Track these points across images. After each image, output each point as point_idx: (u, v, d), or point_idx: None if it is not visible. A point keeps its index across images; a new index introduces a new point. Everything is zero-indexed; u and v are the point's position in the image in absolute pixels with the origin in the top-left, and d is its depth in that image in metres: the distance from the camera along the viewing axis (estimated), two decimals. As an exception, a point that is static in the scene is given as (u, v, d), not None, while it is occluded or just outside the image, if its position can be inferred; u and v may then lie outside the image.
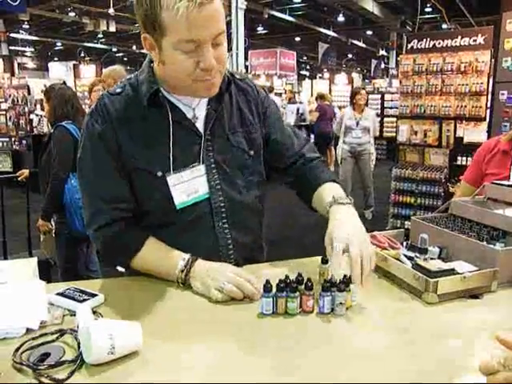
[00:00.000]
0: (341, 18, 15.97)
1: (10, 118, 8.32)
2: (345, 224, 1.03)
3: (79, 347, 0.77)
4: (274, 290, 0.92)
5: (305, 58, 23.92)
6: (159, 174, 1.08)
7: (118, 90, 1.11)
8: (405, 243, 1.20)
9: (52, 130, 2.80)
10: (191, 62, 0.97)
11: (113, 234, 1.10)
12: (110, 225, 1.10)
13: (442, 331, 0.87)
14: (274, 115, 1.26)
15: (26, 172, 3.32)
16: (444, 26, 13.37)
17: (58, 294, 0.98)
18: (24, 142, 8.03)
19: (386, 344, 0.84)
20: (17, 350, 0.78)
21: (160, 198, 1.10)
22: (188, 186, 1.11)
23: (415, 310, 0.96)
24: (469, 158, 4.31)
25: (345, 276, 0.94)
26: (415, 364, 0.77)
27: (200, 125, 1.13)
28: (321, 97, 9.77)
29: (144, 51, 1.05)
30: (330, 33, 17.43)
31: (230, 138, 1.15)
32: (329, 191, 1.17)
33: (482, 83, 4.30)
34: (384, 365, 0.77)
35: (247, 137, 1.19)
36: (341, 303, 0.92)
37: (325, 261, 1.08)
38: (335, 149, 6.58)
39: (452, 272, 1.02)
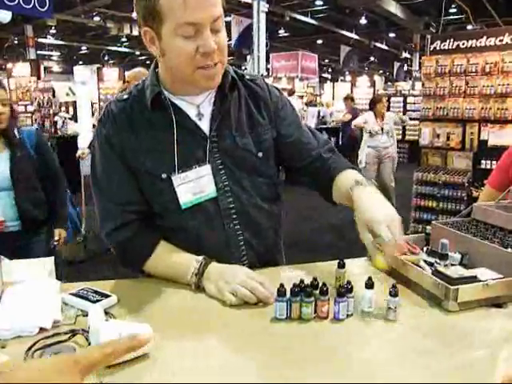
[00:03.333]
0: (363, 21, 15.80)
1: (36, 119, 8.53)
2: (375, 203, 1.02)
3: (90, 348, 0.77)
4: (288, 294, 0.90)
5: (326, 60, 23.77)
6: (164, 176, 1.09)
7: (125, 97, 1.14)
8: (425, 248, 1.16)
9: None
10: (191, 47, 0.97)
11: (123, 239, 1.11)
12: (120, 228, 1.11)
13: (462, 341, 0.84)
14: (289, 116, 1.23)
15: None
16: (469, 27, 13.08)
17: (71, 293, 0.98)
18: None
19: (403, 353, 0.82)
20: (29, 348, 0.79)
21: (165, 200, 1.10)
22: (194, 185, 1.10)
23: (434, 318, 0.93)
24: (493, 162, 4.18)
25: (394, 285, 0.92)
26: (433, 374, 0.74)
27: (206, 124, 1.12)
28: (351, 98, 9.43)
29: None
30: (353, 35, 17.25)
31: (237, 140, 1.14)
32: (349, 176, 1.14)
33: (508, 84, 4.17)
34: (401, 374, 0.74)
35: (256, 139, 1.16)
36: (390, 308, 0.90)
37: (341, 265, 1.06)
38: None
39: (474, 279, 0.98)
